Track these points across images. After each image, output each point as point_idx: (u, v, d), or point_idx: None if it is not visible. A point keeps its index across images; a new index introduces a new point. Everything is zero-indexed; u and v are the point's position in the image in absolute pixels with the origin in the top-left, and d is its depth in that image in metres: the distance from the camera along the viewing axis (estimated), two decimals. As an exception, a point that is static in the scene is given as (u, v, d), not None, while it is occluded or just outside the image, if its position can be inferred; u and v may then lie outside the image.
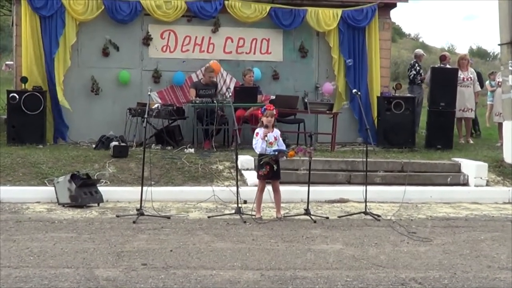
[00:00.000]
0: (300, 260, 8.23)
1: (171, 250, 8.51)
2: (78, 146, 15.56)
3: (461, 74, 17.74)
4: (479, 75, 19.44)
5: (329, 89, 17.27)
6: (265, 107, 11.19)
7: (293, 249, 8.77)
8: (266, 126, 10.86)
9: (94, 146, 15.03)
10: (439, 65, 18.59)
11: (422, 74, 19.17)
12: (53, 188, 11.74)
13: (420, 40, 53.29)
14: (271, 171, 10.77)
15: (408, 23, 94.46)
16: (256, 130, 11.04)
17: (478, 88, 18.74)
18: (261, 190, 10.97)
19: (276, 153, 10.76)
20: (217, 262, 8.04)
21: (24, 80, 15.33)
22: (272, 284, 7.17)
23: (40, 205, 11.46)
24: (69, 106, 16.00)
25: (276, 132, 11.04)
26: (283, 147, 11.08)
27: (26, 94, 15.10)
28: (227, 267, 7.83)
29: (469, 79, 17.92)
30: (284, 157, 10.96)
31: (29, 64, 15.78)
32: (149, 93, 11.73)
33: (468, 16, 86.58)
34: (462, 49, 56.16)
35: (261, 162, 10.82)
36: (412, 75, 19.37)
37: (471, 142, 18.28)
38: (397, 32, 47.41)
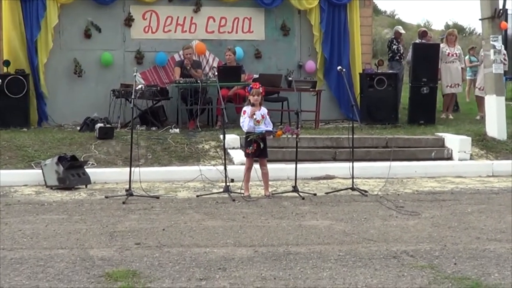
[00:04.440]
0: (292, 236, 8.31)
1: (163, 229, 8.57)
2: (62, 129, 15.49)
3: (447, 50, 17.86)
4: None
5: (311, 67, 17.39)
6: (251, 85, 11.23)
7: (284, 226, 8.85)
8: (253, 105, 10.90)
9: (78, 128, 14.94)
10: (421, 40, 18.65)
11: (402, 51, 19.22)
12: (40, 170, 11.71)
13: (396, 17, 53.37)
14: (258, 149, 10.83)
15: (383, 0, 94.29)
16: (244, 108, 11.07)
17: (463, 64, 18.82)
18: (248, 168, 11.02)
19: (264, 131, 10.83)
20: (209, 239, 8.10)
21: (6, 63, 15.22)
22: (266, 260, 7.24)
23: (28, 188, 11.45)
24: (46, 93, 15.98)
25: (263, 110, 11.05)
26: (270, 125, 11.13)
27: (9, 78, 15.02)
28: (220, 244, 7.90)
29: (455, 54, 17.99)
30: (272, 136, 11.07)
31: (12, 47, 15.66)
32: (135, 74, 11.69)
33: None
34: (438, 25, 56.35)
35: (248, 140, 10.88)
36: (392, 52, 19.43)
37: (451, 117, 18.40)
38: (373, 10, 47.55)
